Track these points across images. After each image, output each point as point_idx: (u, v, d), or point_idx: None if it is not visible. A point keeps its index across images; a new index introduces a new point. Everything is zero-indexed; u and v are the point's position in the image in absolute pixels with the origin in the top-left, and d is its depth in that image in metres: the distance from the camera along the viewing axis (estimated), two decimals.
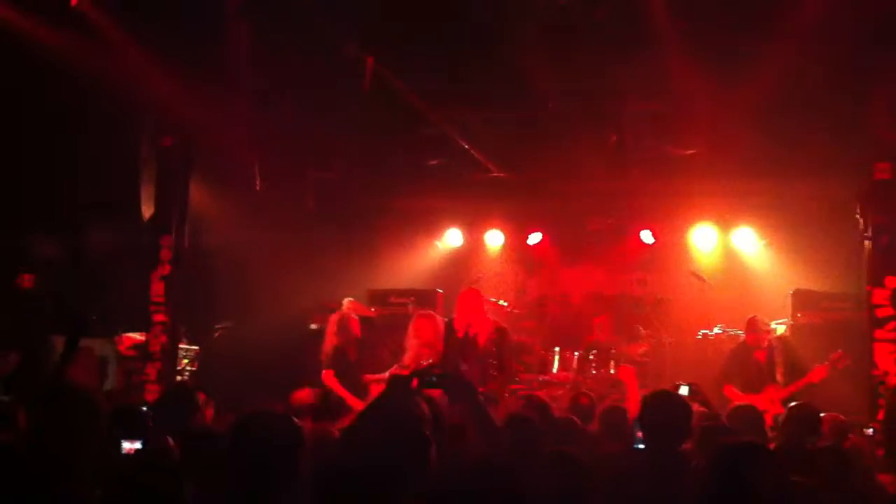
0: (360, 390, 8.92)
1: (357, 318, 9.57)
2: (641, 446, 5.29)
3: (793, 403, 6.84)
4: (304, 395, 8.01)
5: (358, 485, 3.62)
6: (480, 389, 8.23)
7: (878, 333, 9.06)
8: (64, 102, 9.77)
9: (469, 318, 8.69)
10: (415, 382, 5.36)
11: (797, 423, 5.82)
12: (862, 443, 7.16)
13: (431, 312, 9.34)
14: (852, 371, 9.08)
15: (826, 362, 8.89)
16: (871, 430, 8.54)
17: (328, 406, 7.48)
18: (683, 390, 6.67)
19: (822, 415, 6.44)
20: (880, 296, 9.11)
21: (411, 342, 8.84)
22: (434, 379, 5.62)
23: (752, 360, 9.32)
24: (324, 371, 9.05)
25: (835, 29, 8.78)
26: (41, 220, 10.54)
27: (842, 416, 6.67)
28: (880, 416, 8.87)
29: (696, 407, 6.71)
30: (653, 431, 5.10)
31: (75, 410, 3.91)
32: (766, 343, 9.36)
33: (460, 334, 8.66)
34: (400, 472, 3.80)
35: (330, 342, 9.33)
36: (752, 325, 9.47)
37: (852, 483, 5.10)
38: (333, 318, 9.55)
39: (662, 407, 5.15)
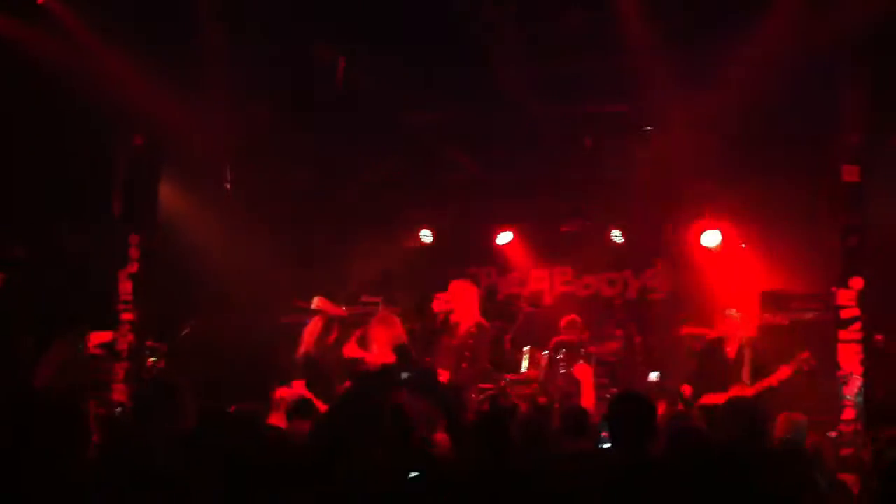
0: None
1: (337, 323, 9.49)
2: (608, 445, 5.33)
3: (730, 398, 6.91)
4: (286, 392, 7.92)
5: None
6: (448, 378, 8.39)
7: (843, 334, 9.14)
8: (33, 101, 9.69)
9: (452, 305, 8.87)
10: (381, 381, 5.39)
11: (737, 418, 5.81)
12: (824, 442, 7.23)
13: (388, 315, 9.33)
14: (819, 372, 9.16)
15: (791, 362, 8.96)
16: (834, 434, 8.64)
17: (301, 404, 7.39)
18: (653, 376, 6.80)
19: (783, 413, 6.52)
20: (845, 297, 9.18)
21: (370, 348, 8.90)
22: (403, 376, 5.66)
23: (722, 355, 9.38)
24: (294, 382, 8.90)
25: (803, 32, 8.86)
26: (9, 219, 10.44)
27: (801, 416, 6.71)
28: (844, 416, 8.97)
29: (666, 406, 6.80)
30: (619, 431, 5.14)
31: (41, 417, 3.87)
32: (737, 339, 9.41)
33: (438, 320, 8.83)
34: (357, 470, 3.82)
35: (305, 348, 9.21)
36: (723, 317, 9.52)
37: (813, 482, 5.16)
38: (316, 322, 9.41)
39: (628, 406, 5.18)
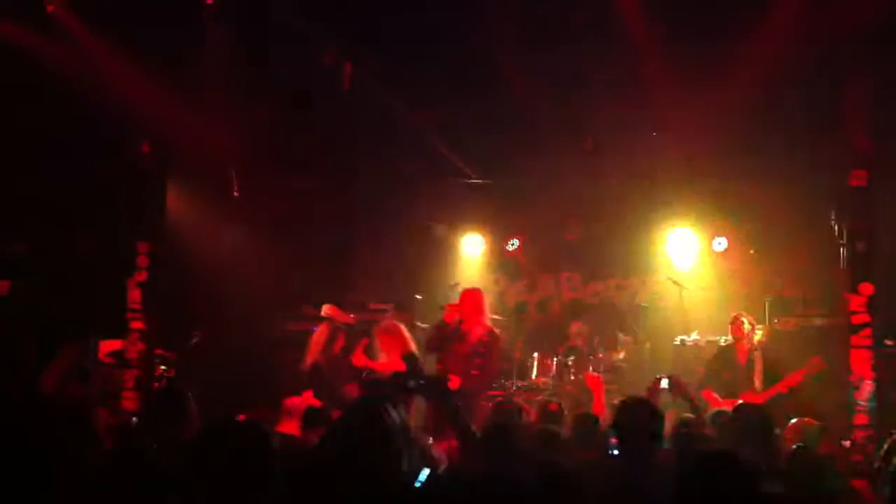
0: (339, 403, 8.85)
1: (343, 331, 9.53)
2: (616, 452, 5.31)
3: (739, 405, 6.89)
4: (297, 401, 7.95)
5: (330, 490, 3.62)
6: (458, 385, 8.41)
7: (854, 340, 9.09)
8: (39, 107, 9.72)
9: (463, 314, 8.92)
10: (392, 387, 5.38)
11: (747, 425, 5.80)
12: (836, 448, 7.19)
13: (393, 324, 9.37)
14: (830, 378, 9.12)
15: (802, 368, 8.93)
16: (848, 443, 8.59)
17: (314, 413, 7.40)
18: (664, 383, 6.80)
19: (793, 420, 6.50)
20: (856, 302, 9.14)
21: (378, 356, 8.95)
22: (413, 384, 5.64)
23: (734, 360, 9.35)
24: (305, 392, 8.92)
25: (809, 35, 8.84)
26: (17, 225, 10.47)
27: (813, 421, 6.68)
28: (856, 421, 8.93)
29: (674, 413, 6.78)
30: (627, 438, 5.13)
31: (48, 423, 3.88)
32: (748, 344, 9.37)
33: (450, 328, 8.89)
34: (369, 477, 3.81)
35: (312, 357, 9.26)
36: (736, 321, 9.49)
37: (825, 488, 5.13)
38: (323, 330, 9.43)
39: (636, 413, 5.17)
